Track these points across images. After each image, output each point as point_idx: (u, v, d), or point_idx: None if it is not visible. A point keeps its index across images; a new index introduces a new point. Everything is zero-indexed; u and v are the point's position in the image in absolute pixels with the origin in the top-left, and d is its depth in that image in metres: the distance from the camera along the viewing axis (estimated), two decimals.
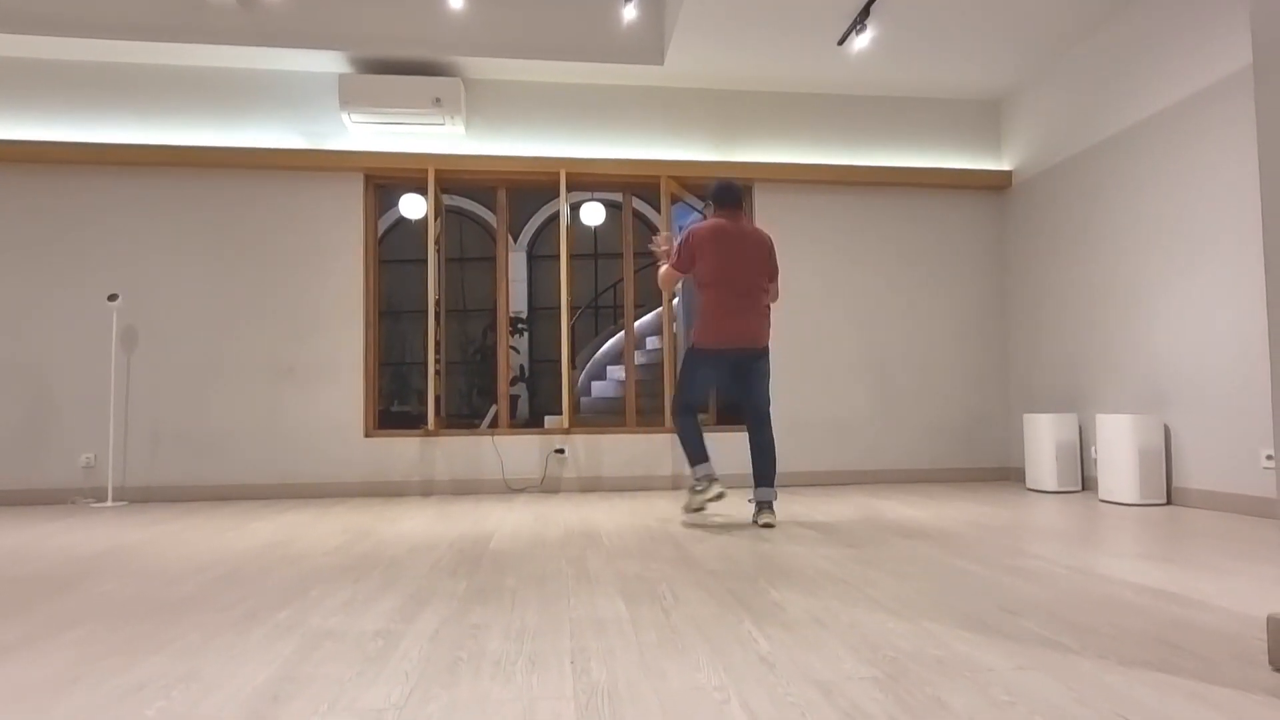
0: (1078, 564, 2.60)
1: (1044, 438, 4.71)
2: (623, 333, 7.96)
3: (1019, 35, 4.75)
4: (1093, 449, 4.74)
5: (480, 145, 5.21)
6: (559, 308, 5.34)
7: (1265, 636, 1.75)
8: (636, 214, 9.75)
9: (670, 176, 5.29)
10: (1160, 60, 4.23)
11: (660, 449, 5.18)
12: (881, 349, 5.47)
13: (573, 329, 5.40)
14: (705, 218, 3.75)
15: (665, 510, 4.08)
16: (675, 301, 5.84)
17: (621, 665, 1.62)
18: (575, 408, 7.35)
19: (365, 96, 4.84)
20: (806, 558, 2.75)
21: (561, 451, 5.13)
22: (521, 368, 9.95)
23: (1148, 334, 4.33)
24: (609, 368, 8.38)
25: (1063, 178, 5.01)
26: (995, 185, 5.55)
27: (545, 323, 10.19)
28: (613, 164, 5.22)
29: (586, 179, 5.35)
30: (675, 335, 5.47)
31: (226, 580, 2.49)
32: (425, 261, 5.29)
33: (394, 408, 9.59)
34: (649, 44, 5.04)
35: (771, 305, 3.73)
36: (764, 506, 3.51)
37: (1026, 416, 4.88)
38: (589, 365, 8.88)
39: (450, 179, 5.28)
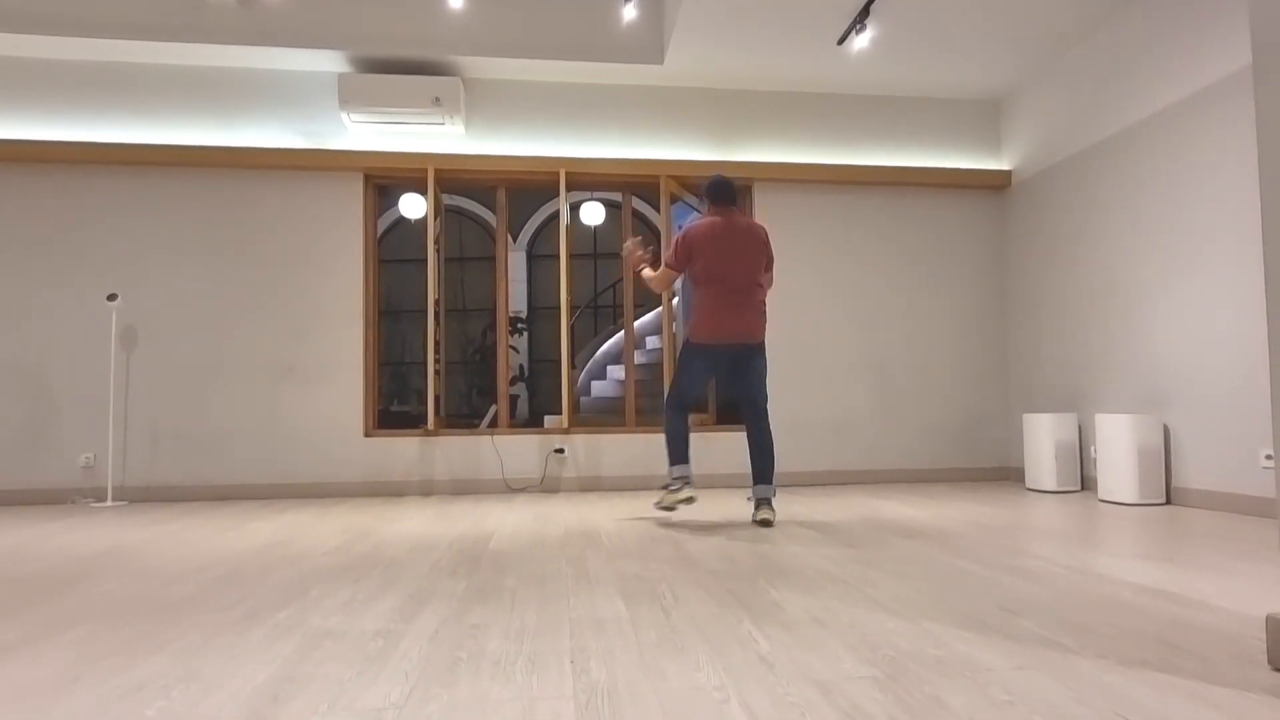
0: (1077, 564, 2.60)
1: (1043, 437, 4.72)
2: (622, 332, 7.96)
3: (1019, 35, 4.75)
4: (1092, 449, 4.74)
5: (480, 145, 5.21)
6: (559, 307, 5.34)
7: (1264, 636, 1.75)
8: (636, 214, 9.75)
9: (670, 176, 5.29)
10: (1160, 60, 4.23)
11: (660, 449, 5.18)
12: (881, 349, 5.47)
13: (572, 329, 5.40)
14: (701, 215, 3.75)
15: (666, 512, 4.07)
16: (675, 301, 5.84)
17: (621, 665, 1.62)
18: (575, 407, 7.35)
19: (365, 96, 4.84)
20: (806, 557, 2.75)
21: (561, 451, 5.13)
22: (521, 367, 9.95)
23: (1147, 334, 4.33)
24: (609, 367, 8.38)
25: (1062, 178, 5.01)
26: (995, 185, 5.55)
27: (545, 322, 10.19)
28: (612, 164, 5.23)
29: (586, 179, 5.35)
30: (675, 335, 5.47)
31: (226, 580, 2.49)
32: (425, 261, 5.29)
33: (394, 407, 9.60)
34: (649, 44, 5.04)
35: (767, 300, 3.72)
36: (762, 503, 3.51)
37: (1026, 416, 4.88)
38: (589, 365, 8.88)
39: (450, 178, 5.27)
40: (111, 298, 4.62)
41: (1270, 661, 1.56)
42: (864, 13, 4.37)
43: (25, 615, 2.08)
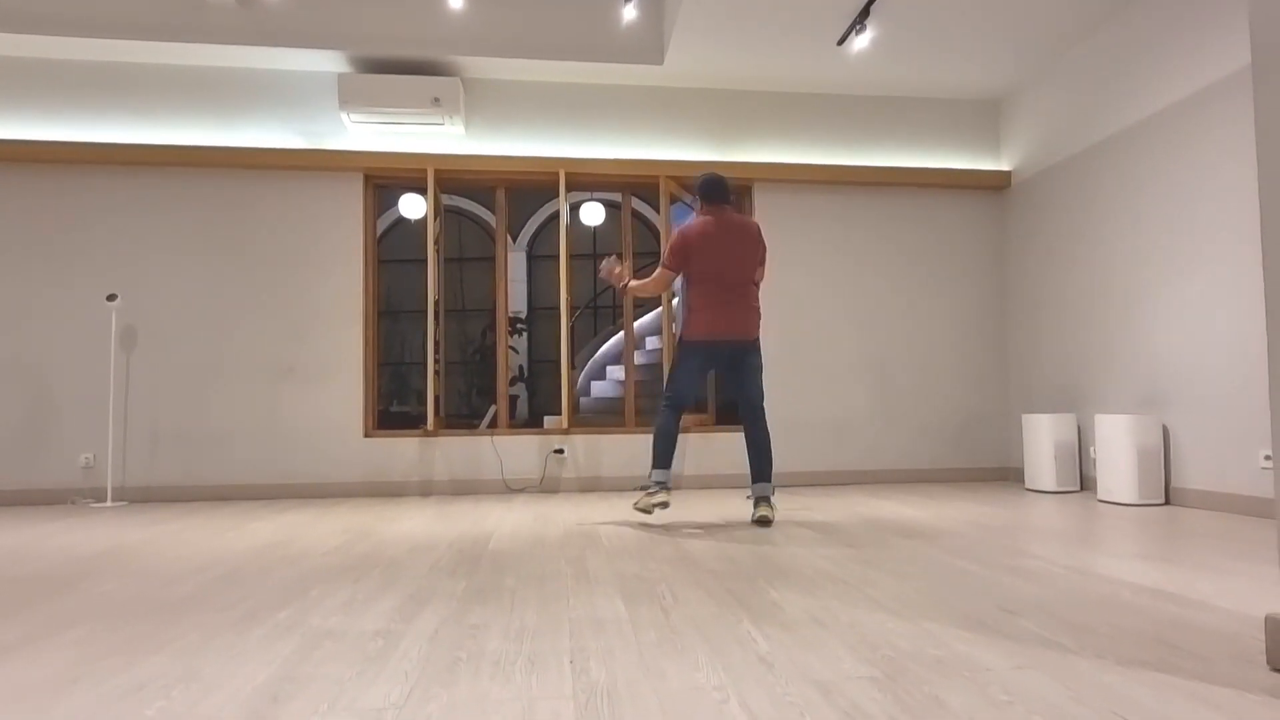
0: (1076, 564, 2.60)
1: (1043, 438, 4.72)
2: (622, 333, 7.96)
3: (1019, 35, 4.75)
4: (1091, 449, 4.74)
5: (479, 145, 5.21)
6: (558, 308, 5.34)
7: (1263, 636, 1.75)
8: (636, 214, 9.75)
9: (669, 176, 5.29)
10: (1160, 60, 4.24)
11: None
12: (881, 349, 5.47)
13: (572, 329, 5.40)
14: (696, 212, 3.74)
15: (666, 511, 4.08)
16: (675, 301, 5.84)
17: (621, 665, 1.63)
18: (575, 408, 7.35)
19: (364, 96, 4.84)
20: (806, 557, 2.75)
21: (561, 451, 5.13)
22: (521, 368, 9.95)
23: (1147, 334, 4.33)
24: (608, 368, 8.38)
25: (1062, 178, 5.01)
26: (995, 185, 5.55)
27: (544, 323, 10.19)
28: (612, 164, 5.23)
29: (586, 179, 5.35)
30: (675, 335, 5.47)
31: (226, 580, 2.50)
32: (424, 261, 5.29)
33: (393, 408, 9.60)
34: (649, 44, 5.05)
35: (760, 298, 3.72)
36: (761, 501, 3.52)
37: (1025, 416, 4.88)
38: (588, 365, 8.88)
39: (450, 179, 5.27)
40: (111, 298, 4.62)
41: (1269, 662, 1.57)
42: (864, 13, 4.37)
43: (25, 615, 2.08)
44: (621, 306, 5.85)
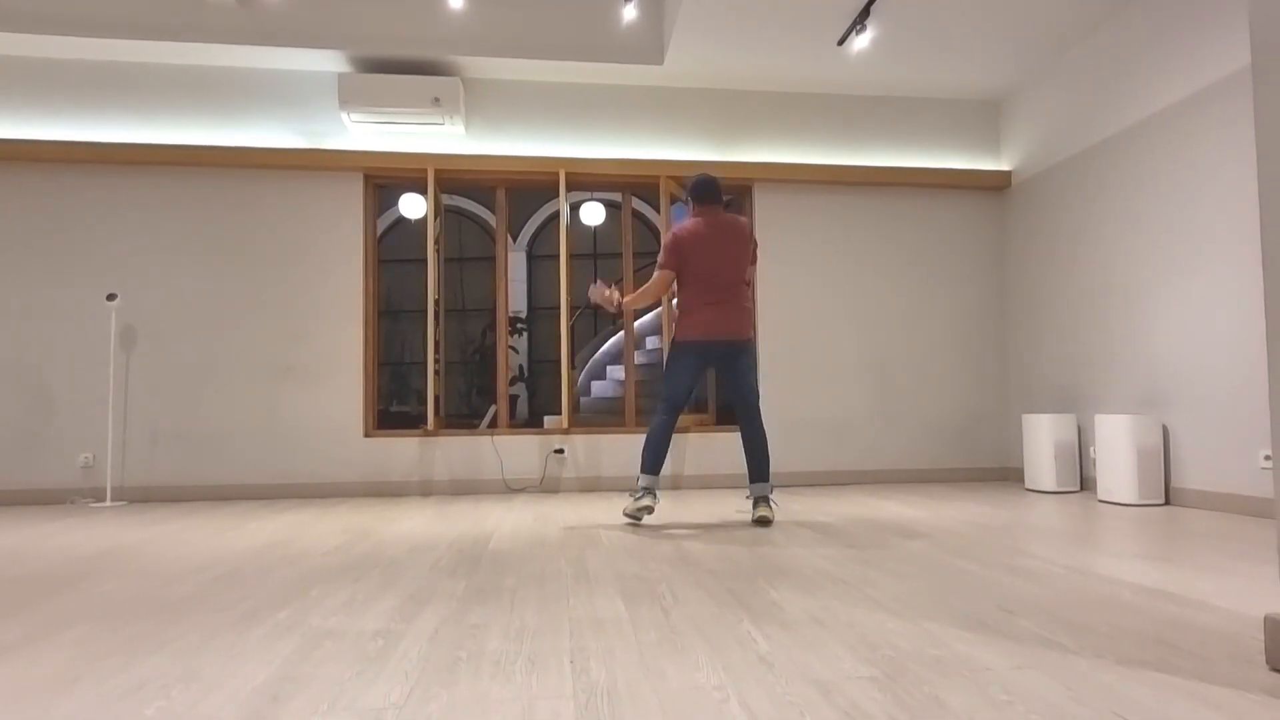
0: (1076, 564, 2.60)
1: (1043, 438, 4.72)
2: (622, 333, 7.96)
3: (1019, 35, 4.75)
4: (1091, 449, 4.74)
5: (480, 145, 5.22)
6: (558, 308, 5.34)
7: (1263, 636, 1.75)
8: (636, 214, 9.75)
9: (670, 176, 5.29)
10: (1160, 60, 4.24)
11: None
12: (881, 349, 5.47)
13: (572, 329, 5.40)
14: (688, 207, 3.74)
15: (665, 510, 4.08)
16: (675, 301, 5.84)
17: (621, 665, 1.63)
18: (575, 408, 7.35)
19: (364, 96, 4.84)
20: (805, 557, 2.75)
21: (561, 451, 5.13)
22: (521, 368, 9.96)
23: (1147, 334, 4.33)
24: (609, 367, 8.38)
25: (1062, 178, 5.01)
26: (995, 185, 5.55)
27: (545, 323, 10.19)
28: (612, 164, 5.23)
29: (586, 179, 5.35)
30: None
31: (226, 580, 2.50)
32: (424, 261, 5.29)
33: (393, 408, 9.60)
34: (649, 44, 5.05)
35: (759, 298, 3.71)
36: (760, 501, 3.52)
37: (1025, 416, 4.88)
38: (588, 365, 8.88)
39: (450, 179, 5.27)
40: (111, 298, 4.62)
41: (1269, 661, 1.57)
42: (864, 13, 4.37)
43: (25, 615, 2.08)
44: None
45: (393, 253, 9.73)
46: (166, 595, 2.29)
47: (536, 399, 9.94)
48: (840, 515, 3.81)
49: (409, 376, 9.93)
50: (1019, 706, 1.38)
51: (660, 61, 5.03)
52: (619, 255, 9.82)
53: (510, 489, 5.07)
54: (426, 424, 5.04)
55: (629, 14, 4.68)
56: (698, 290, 3.54)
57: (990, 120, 5.68)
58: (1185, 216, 4.08)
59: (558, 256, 5.38)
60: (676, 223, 3.72)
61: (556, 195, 5.56)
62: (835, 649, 1.71)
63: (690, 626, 1.90)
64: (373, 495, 4.95)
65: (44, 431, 4.75)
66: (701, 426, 5.33)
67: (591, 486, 5.14)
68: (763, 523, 3.50)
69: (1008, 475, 5.52)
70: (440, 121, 4.97)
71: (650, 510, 3.49)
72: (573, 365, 6.37)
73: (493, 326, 5.88)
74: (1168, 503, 4.17)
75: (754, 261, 3.67)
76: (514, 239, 10.34)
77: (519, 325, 9.82)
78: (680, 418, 5.39)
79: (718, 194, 3.63)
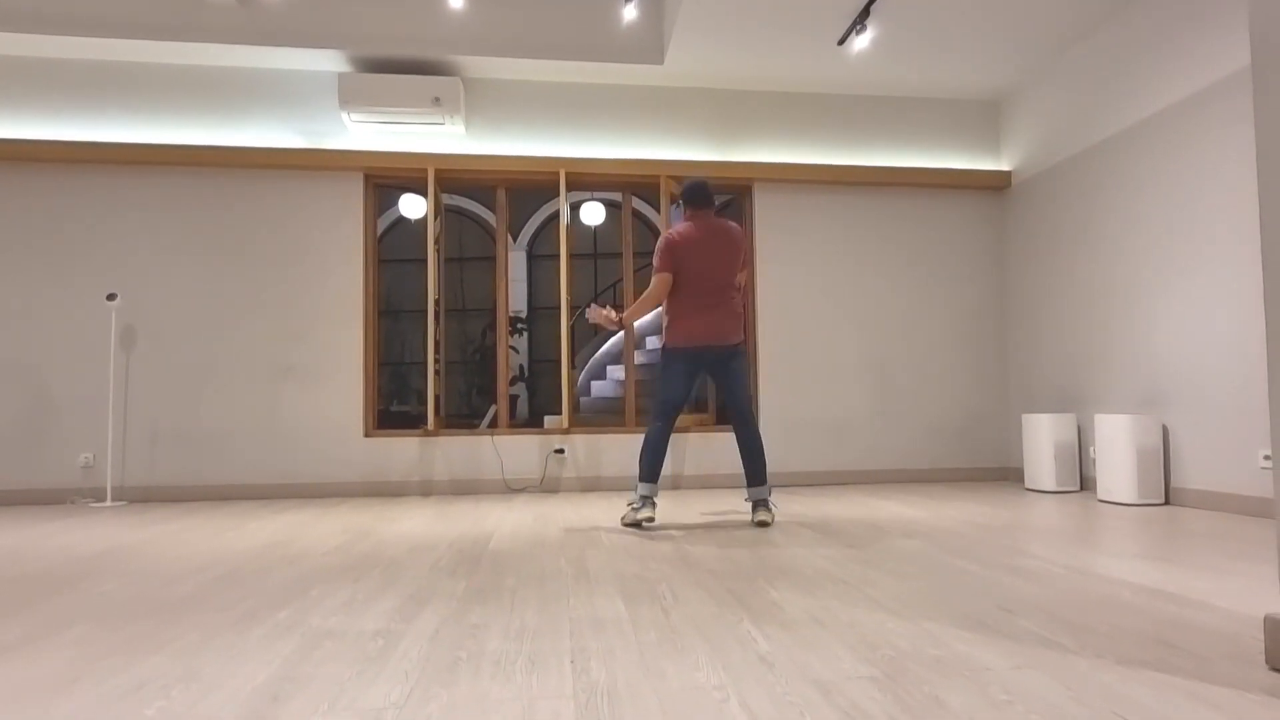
0: (1076, 564, 2.60)
1: (1043, 438, 4.72)
2: (622, 332, 7.96)
3: (1019, 35, 4.75)
4: (1091, 449, 4.74)
5: (480, 145, 5.22)
6: (559, 307, 5.34)
7: (1262, 636, 1.75)
8: (636, 214, 9.75)
9: (670, 176, 5.29)
10: (1160, 60, 4.24)
11: None
12: (881, 349, 5.47)
13: (572, 329, 5.40)
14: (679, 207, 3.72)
15: (664, 510, 4.08)
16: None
17: (621, 665, 1.63)
18: (575, 407, 7.35)
19: (365, 96, 4.84)
20: (805, 557, 2.76)
21: (561, 451, 5.13)
22: (521, 367, 9.96)
23: (1146, 334, 4.33)
24: (609, 367, 8.38)
25: (1062, 178, 5.01)
26: (995, 185, 5.55)
27: (545, 322, 10.19)
28: (612, 164, 5.23)
29: (586, 179, 5.35)
30: None
31: (226, 580, 2.50)
32: (425, 261, 5.29)
33: (393, 407, 9.60)
34: (649, 44, 5.05)
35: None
36: (759, 505, 3.52)
37: (1025, 416, 4.88)
38: (589, 365, 8.88)
39: (450, 178, 5.28)
40: (111, 297, 4.62)
41: (1268, 661, 1.57)
42: (864, 13, 4.37)
43: (25, 615, 2.08)
44: (623, 306, 5.84)
45: (393, 252, 9.73)
46: (167, 595, 2.29)
47: (537, 399, 9.95)
48: (840, 515, 3.81)
49: (409, 376, 9.93)
50: (1019, 706, 1.38)
51: (660, 61, 5.04)
52: (619, 255, 9.82)
53: (510, 489, 5.07)
54: (427, 424, 5.04)
55: (629, 14, 4.68)
56: (689, 295, 3.52)
57: (990, 120, 5.68)
58: (1185, 216, 4.08)
59: (558, 256, 5.38)
60: (679, 222, 3.71)
61: (557, 195, 5.56)
62: (835, 649, 1.71)
63: (690, 626, 1.90)
64: (373, 495, 4.95)
65: (44, 431, 4.75)
66: (701, 426, 5.33)
67: (592, 486, 5.14)
68: (761, 525, 3.50)
69: (1008, 475, 5.52)
70: (440, 121, 4.97)
71: (651, 520, 3.47)
72: (573, 365, 6.37)
73: (493, 326, 5.89)
74: (1167, 502, 4.17)
75: (745, 268, 3.65)
76: (514, 239, 10.35)
77: (519, 325, 9.82)
78: (681, 417, 5.39)
79: (710, 198, 3.62)
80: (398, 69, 5.01)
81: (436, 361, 5.27)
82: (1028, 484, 4.87)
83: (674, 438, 5.20)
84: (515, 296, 10.13)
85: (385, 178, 5.22)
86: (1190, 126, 4.04)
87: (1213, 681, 1.49)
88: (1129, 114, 4.44)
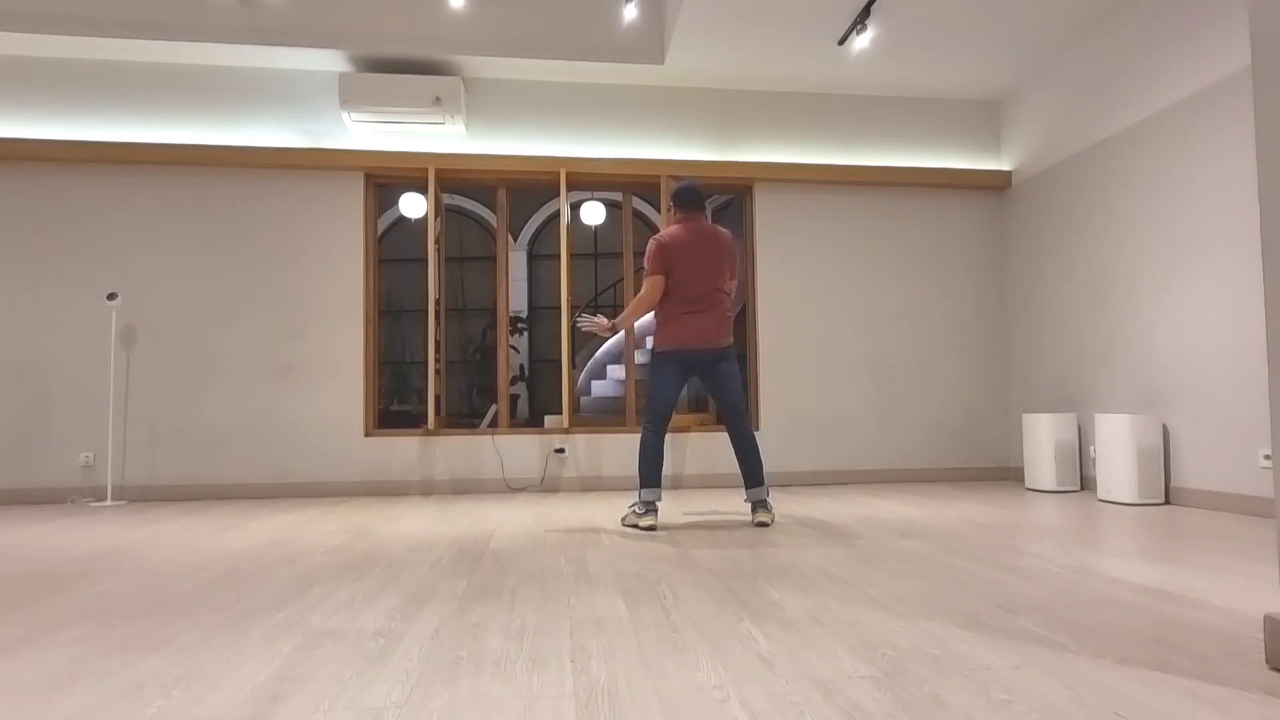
0: (1075, 563, 2.60)
1: (1043, 437, 4.72)
2: (623, 332, 7.96)
3: (1018, 35, 4.75)
4: (1091, 449, 4.74)
5: (480, 144, 5.22)
6: (559, 307, 5.34)
7: (1262, 635, 1.75)
8: (636, 213, 9.75)
9: (670, 176, 5.29)
10: (1160, 60, 4.24)
11: None
12: (881, 349, 5.47)
13: (573, 329, 5.40)
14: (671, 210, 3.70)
15: (665, 510, 4.08)
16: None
17: (621, 664, 1.63)
18: (575, 407, 7.35)
19: (365, 95, 4.84)
20: (805, 557, 2.76)
21: (561, 451, 5.13)
22: (521, 367, 9.96)
23: (1146, 334, 4.33)
24: (609, 367, 8.38)
25: (1062, 178, 5.01)
26: (995, 185, 5.55)
27: (545, 322, 10.19)
28: (613, 163, 5.23)
29: (587, 178, 5.35)
30: None
31: (226, 579, 2.50)
32: (425, 260, 5.29)
33: (394, 407, 9.60)
34: (649, 43, 5.05)
35: (732, 305, 3.68)
36: (759, 506, 3.52)
37: (1025, 416, 4.88)
38: (589, 364, 8.88)
39: (450, 178, 5.28)
40: (111, 297, 4.62)
41: (1268, 661, 1.57)
42: (864, 13, 4.37)
43: (25, 614, 2.09)
44: (622, 306, 5.85)
45: (393, 252, 9.73)
46: (167, 595, 2.30)
47: (537, 398, 9.95)
48: (840, 515, 3.82)
49: (409, 376, 9.93)
50: (1018, 705, 1.38)
51: (661, 61, 5.04)
52: (619, 255, 9.82)
53: (511, 488, 5.07)
54: (427, 423, 5.04)
55: (629, 14, 4.68)
56: (677, 298, 3.51)
57: (990, 120, 5.68)
58: (1185, 216, 4.08)
59: (558, 256, 5.37)
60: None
61: (557, 195, 5.56)
62: (835, 648, 1.72)
63: (690, 626, 1.91)
64: (373, 495, 4.95)
65: (44, 431, 4.76)
66: (701, 426, 5.33)
67: (592, 486, 5.14)
68: (761, 526, 3.50)
69: (1008, 475, 5.52)
70: (441, 121, 4.97)
71: (652, 529, 3.44)
72: (573, 365, 6.37)
73: (493, 326, 5.89)
74: (1168, 502, 4.17)
75: (734, 277, 3.64)
76: (514, 238, 10.35)
77: (519, 325, 9.82)
78: (681, 417, 5.40)
79: (701, 201, 3.61)
80: (398, 69, 5.02)
81: (437, 361, 5.27)
82: (1028, 484, 4.87)
83: (674, 437, 5.20)
84: (515, 296, 10.14)
85: (386, 177, 5.22)
86: (1190, 126, 4.04)
87: (1212, 681, 1.50)
88: (1129, 114, 4.44)
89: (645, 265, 3.58)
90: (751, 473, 3.52)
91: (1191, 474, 4.04)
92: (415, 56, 4.91)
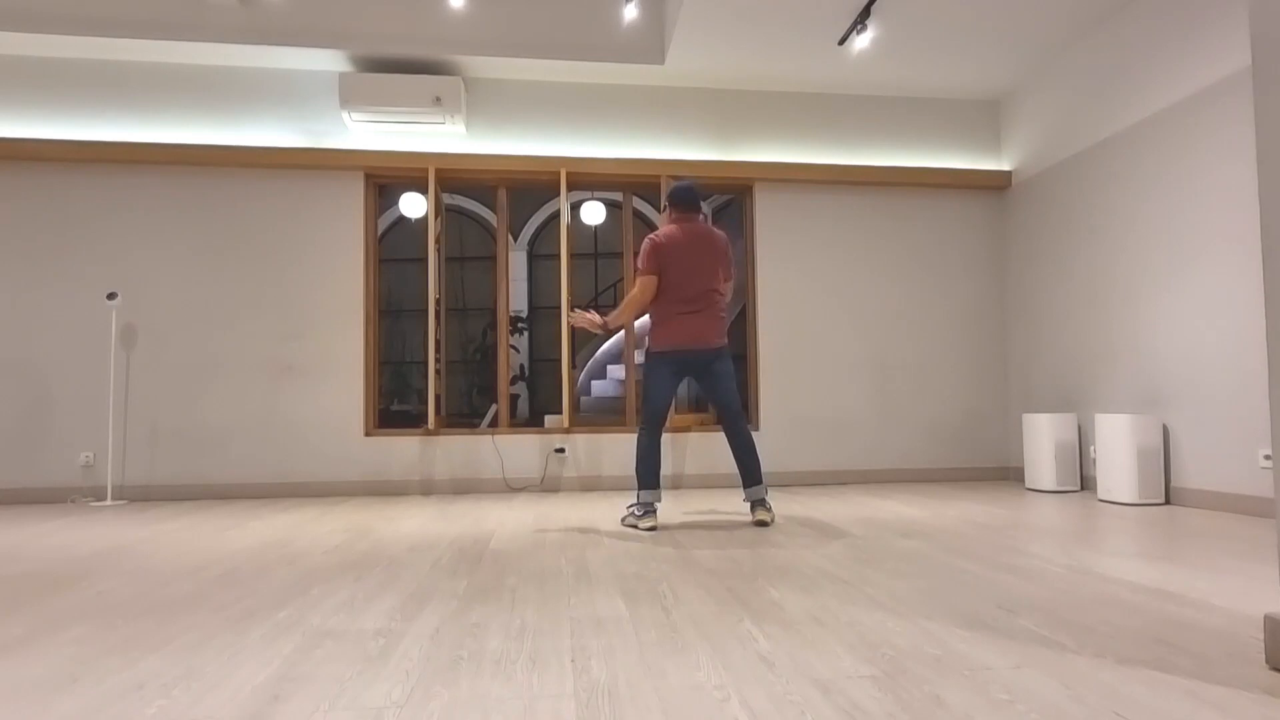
0: (1075, 563, 2.60)
1: (1043, 437, 4.72)
2: (622, 332, 7.96)
3: (1018, 35, 4.75)
4: (1091, 449, 4.74)
5: (480, 144, 5.22)
6: (559, 307, 5.34)
7: (1262, 635, 1.75)
8: (637, 213, 9.76)
9: (671, 176, 5.29)
10: (1160, 60, 4.24)
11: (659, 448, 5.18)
12: (881, 349, 5.47)
13: (573, 328, 5.40)
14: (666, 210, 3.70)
15: (665, 510, 4.08)
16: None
17: (621, 664, 1.63)
18: (575, 407, 7.35)
19: (365, 95, 4.84)
20: (805, 557, 2.76)
21: (562, 451, 5.13)
22: (521, 367, 9.96)
23: (1147, 334, 4.33)
24: (609, 367, 8.38)
25: (1062, 178, 5.01)
26: (995, 185, 5.55)
27: (545, 322, 10.19)
28: (613, 163, 5.23)
29: (587, 178, 5.35)
30: None
31: (226, 579, 2.50)
32: (425, 260, 5.29)
33: (394, 406, 9.60)
34: (649, 43, 5.05)
35: (729, 306, 3.67)
36: (758, 505, 3.51)
37: (1025, 416, 4.88)
38: (589, 364, 8.88)
39: (450, 178, 5.28)
40: (111, 296, 4.62)
41: (1268, 660, 1.57)
42: (864, 13, 4.37)
43: (25, 614, 2.09)
44: None
45: (393, 252, 9.73)
46: (167, 594, 2.30)
47: (537, 398, 9.95)
48: (840, 515, 3.82)
49: (410, 375, 9.93)
50: (1018, 705, 1.38)
51: (661, 61, 5.04)
52: (620, 255, 9.82)
53: (511, 488, 5.07)
54: (427, 423, 5.04)
55: (630, 13, 4.68)
56: (672, 299, 3.50)
57: (990, 120, 5.68)
58: (1185, 216, 4.08)
59: (559, 256, 5.37)
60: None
61: (557, 194, 5.56)
62: (835, 648, 1.72)
63: (691, 625, 1.91)
64: (373, 494, 4.95)
65: (44, 431, 4.76)
66: (701, 426, 5.33)
67: (592, 486, 5.14)
68: (761, 525, 3.50)
69: (1008, 475, 5.52)
70: (441, 121, 4.97)
71: (652, 529, 3.43)
72: (573, 364, 6.37)
73: (493, 326, 5.89)
74: (1168, 502, 4.17)
75: (730, 278, 3.63)
76: (515, 238, 10.35)
77: (520, 324, 9.82)
78: (680, 417, 5.40)
79: (697, 202, 3.61)
80: (398, 68, 5.02)
81: (437, 361, 5.27)
82: (1028, 484, 4.87)
83: (674, 437, 5.20)
84: (516, 296, 10.14)
85: (386, 177, 5.22)
86: (1190, 126, 4.04)
87: (1212, 681, 1.50)
88: (1129, 114, 4.44)
89: (638, 264, 3.56)
90: (750, 472, 3.52)
91: (1191, 474, 4.04)
92: (415, 56, 4.91)
